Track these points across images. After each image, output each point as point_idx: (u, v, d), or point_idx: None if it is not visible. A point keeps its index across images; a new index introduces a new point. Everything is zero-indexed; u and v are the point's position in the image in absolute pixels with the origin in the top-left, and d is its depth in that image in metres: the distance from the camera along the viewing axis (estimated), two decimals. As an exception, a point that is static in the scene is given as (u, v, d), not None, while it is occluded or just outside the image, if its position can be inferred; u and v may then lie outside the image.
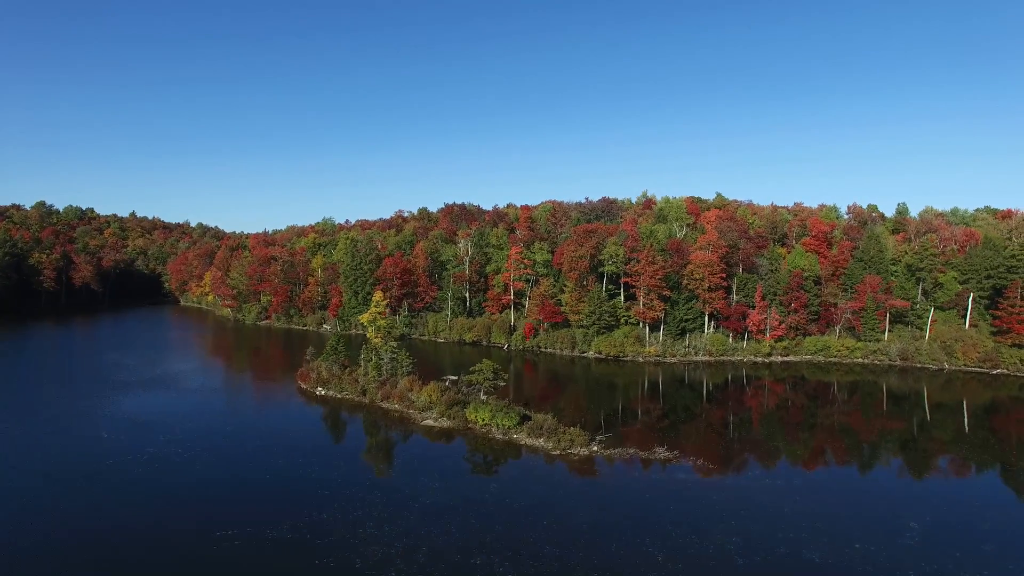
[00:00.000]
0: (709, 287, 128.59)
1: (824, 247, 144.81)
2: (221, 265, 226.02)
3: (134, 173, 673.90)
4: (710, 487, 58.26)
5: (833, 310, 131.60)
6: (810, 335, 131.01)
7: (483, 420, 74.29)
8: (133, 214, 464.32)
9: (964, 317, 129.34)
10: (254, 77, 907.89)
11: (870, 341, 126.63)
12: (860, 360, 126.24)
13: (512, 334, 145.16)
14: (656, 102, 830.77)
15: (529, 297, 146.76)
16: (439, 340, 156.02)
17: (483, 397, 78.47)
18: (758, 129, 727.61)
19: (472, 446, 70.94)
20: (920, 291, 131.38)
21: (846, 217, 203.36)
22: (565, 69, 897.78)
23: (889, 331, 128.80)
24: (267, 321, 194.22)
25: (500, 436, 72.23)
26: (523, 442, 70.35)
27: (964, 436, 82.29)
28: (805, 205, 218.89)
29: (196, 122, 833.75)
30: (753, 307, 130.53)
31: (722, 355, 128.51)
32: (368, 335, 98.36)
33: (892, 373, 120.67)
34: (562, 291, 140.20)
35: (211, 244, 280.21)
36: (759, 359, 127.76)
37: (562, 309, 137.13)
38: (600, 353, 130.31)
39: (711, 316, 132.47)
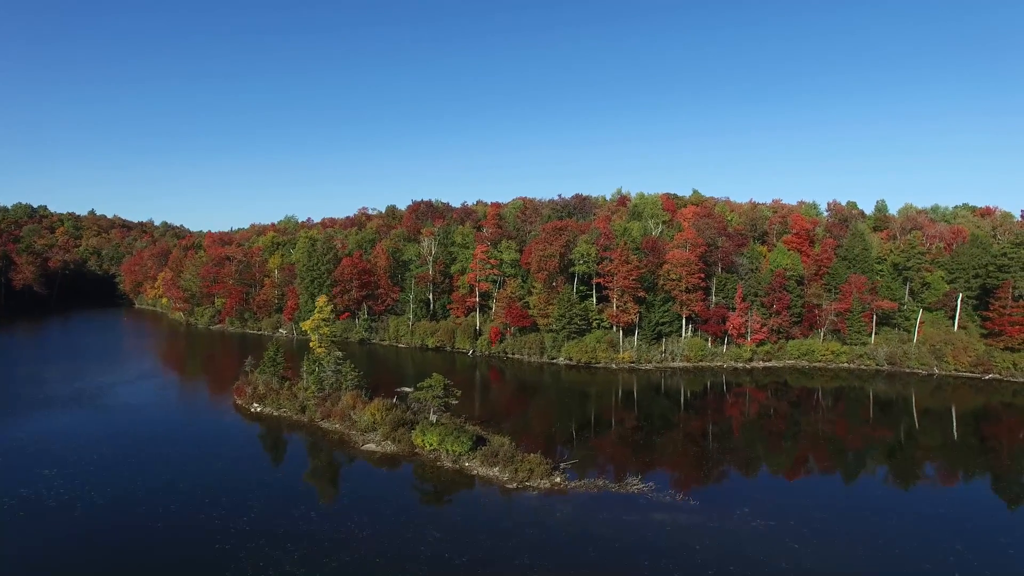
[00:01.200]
0: (686, 288, 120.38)
1: (807, 245, 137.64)
2: (174, 266, 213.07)
3: (96, 171, 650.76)
4: (692, 532, 49.12)
5: (817, 312, 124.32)
6: (793, 338, 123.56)
7: (431, 444, 64.70)
8: (92, 212, 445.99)
9: (952, 319, 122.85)
10: (242, 74, 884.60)
11: (856, 344, 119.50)
12: (846, 365, 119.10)
13: (478, 339, 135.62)
14: (632, 100, 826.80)
15: (496, 299, 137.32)
16: (400, 345, 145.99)
17: (432, 417, 68.79)
18: (735, 126, 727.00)
19: (418, 476, 61.36)
20: (907, 291, 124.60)
21: (825, 214, 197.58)
22: (544, 68, 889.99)
23: (875, 334, 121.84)
24: (220, 325, 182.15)
25: (450, 464, 62.69)
26: (476, 471, 60.90)
27: (953, 443, 77.44)
28: (784, 202, 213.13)
29: (166, 119, 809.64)
30: (733, 309, 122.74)
31: (701, 361, 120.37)
32: (311, 344, 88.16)
33: (879, 379, 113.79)
34: (530, 293, 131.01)
35: (166, 243, 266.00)
36: (740, 365, 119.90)
37: (530, 312, 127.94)
38: (571, 359, 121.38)
39: (689, 319, 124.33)
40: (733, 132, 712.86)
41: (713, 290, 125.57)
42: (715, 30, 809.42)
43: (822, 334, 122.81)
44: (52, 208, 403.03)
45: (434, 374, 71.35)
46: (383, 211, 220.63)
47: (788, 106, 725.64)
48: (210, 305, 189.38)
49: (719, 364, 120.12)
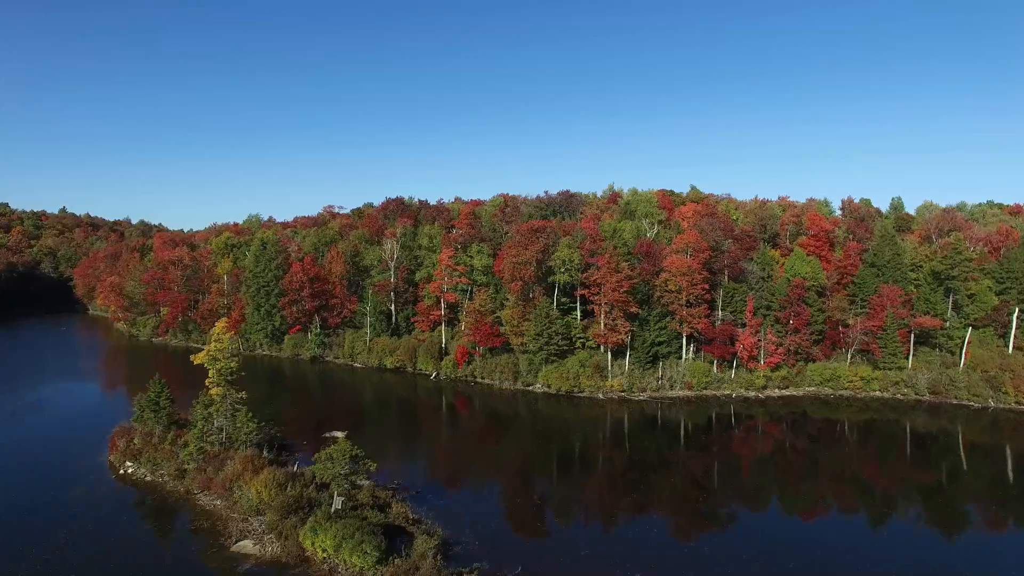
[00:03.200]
0: (688, 301, 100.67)
1: (827, 249, 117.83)
2: (120, 269, 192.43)
3: (69, 169, 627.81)
4: None
5: (842, 329, 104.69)
6: (813, 360, 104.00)
7: (325, 550, 44.65)
8: (63, 210, 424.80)
9: (1004, 337, 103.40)
10: (233, 71, 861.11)
11: (890, 369, 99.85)
12: (878, 393, 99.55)
13: (443, 359, 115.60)
14: (626, 91, 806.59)
15: (463, 313, 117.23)
16: (356, 365, 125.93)
17: (337, 503, 48.69)
18: (733, 118, 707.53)
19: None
20: (950, 305, 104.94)
21: (838, 213, 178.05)
22: (534, 59, 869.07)
23: (913, 356, 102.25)
24: (163, 338, 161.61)
25: (348, 584, 42.76)
26: (382, 599, 40.99)
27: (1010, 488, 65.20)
28: (792, 199, 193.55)
29: (155, 115, 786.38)
30: (743, 326, 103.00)
31: (705, 388, 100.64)
32: (207, 381, 67.97)
33: (920, 411, 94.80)
34: (503, 306, 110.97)
35: (119, 244, 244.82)
36: (752, 394, 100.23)
37: (502, 330, 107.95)
38: (549, 387, 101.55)
39: (690, 338, 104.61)
40: (730, 125, 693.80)
41: (719, 303, 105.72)
42: (709, 21, 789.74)
43: (848, 356, 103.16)
44: (14, 206, 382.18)
45: (340, 439, 51.46)
46: (361, 208, 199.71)
47: (786, 99, 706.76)
48: (155, 315, 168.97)
49: (726, 393, 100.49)
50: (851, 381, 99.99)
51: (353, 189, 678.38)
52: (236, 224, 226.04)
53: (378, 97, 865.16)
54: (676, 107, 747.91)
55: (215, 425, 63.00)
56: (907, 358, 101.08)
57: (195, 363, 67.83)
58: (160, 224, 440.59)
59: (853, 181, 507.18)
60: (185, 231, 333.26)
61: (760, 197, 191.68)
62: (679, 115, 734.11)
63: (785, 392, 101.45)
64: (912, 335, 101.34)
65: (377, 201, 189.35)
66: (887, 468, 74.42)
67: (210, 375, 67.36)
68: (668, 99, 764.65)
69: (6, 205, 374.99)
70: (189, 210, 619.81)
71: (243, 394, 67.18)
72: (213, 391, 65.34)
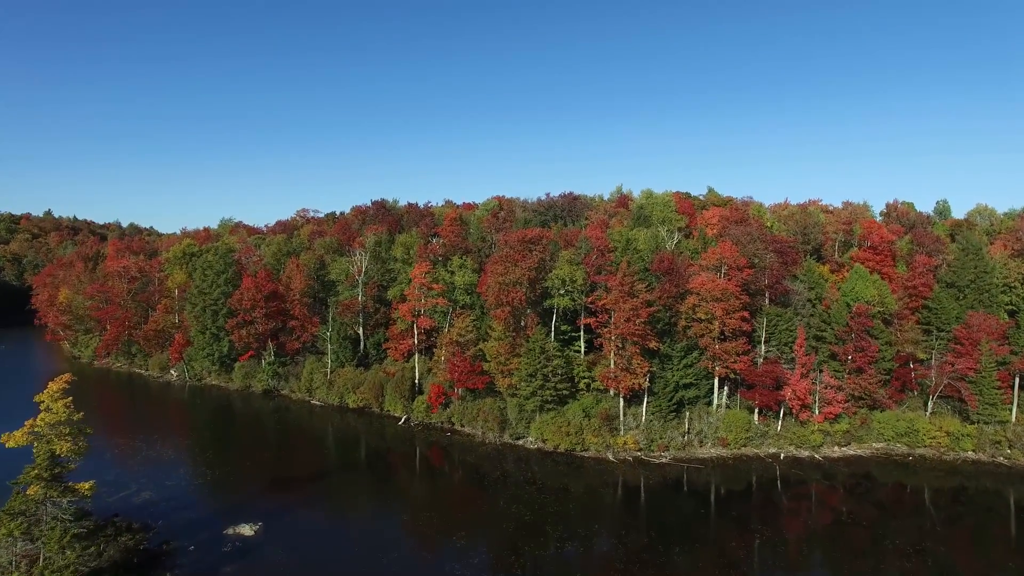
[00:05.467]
0: (723, 333, 78.51)
1: (890, 264, 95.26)
2: (65, 280, 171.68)
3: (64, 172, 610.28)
4: None
5: (915, 366, 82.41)
6: (881, 407, 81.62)
7: None
8: (48, 213, 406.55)
9: None
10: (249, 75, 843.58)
11: (987, 423, 77.25)
12: (971, 454, 76.90)
13: (415, 399, 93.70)
14: (633, 88, 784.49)
15: (440, 343, 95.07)
16: (314, 402, 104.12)
17: None
18: (750, 121, 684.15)
19: None
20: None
21: (879, 218, 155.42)
22: (539, 58, 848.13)
23: (1017, 406, 79.64)
24: (105, 361, 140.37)
25: None
26: None
27: None
28: (825, 203, 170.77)
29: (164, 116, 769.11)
30: (790, 363, 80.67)
31: (743, 446, 78.37)
32: (24, 476, 45.88)
33: (1028, 480, 72.54)
34: (488, 335, 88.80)
35: (77, 251, 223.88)
36: (804, 453, 77.93)
37: (486, 367, 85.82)
38: (544, 441, 79.46)
39: (724, 380, 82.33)
40: (748, 124, 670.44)
41: (762, 335, 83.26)
42: (721, 23, 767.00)
43: (930, 404, 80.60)
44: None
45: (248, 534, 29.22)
46: (334, 212, 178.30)
47: (800, 98, 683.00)
48: (100, 333, 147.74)
49: (771, 451, 78.20)
50: (934, 437, 77.47)
51: (361, 190, 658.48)
52: (206, 229, 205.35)
53: (378, 96, 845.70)
54: (689, 105, 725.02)
55: (16, 549, 41.05)
56: (1008, 409, 78.43)
57: (7, 447, 45.72)
58: (151, 227, 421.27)
59: (864, 183, 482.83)
60: (166, 234, 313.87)
61: (790, 201, 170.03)
62: (692, 113, 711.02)
63: (846, 450, 79.07)
64: (1017, 380, 78.71)
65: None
66: (981, 551, 57.96)
67: (36, 462, 45.15)
68: (681, 98, 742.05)
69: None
70: (185, 211, 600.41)
71: (74, 491, 45.01)
72: (31, 490, 43.27)
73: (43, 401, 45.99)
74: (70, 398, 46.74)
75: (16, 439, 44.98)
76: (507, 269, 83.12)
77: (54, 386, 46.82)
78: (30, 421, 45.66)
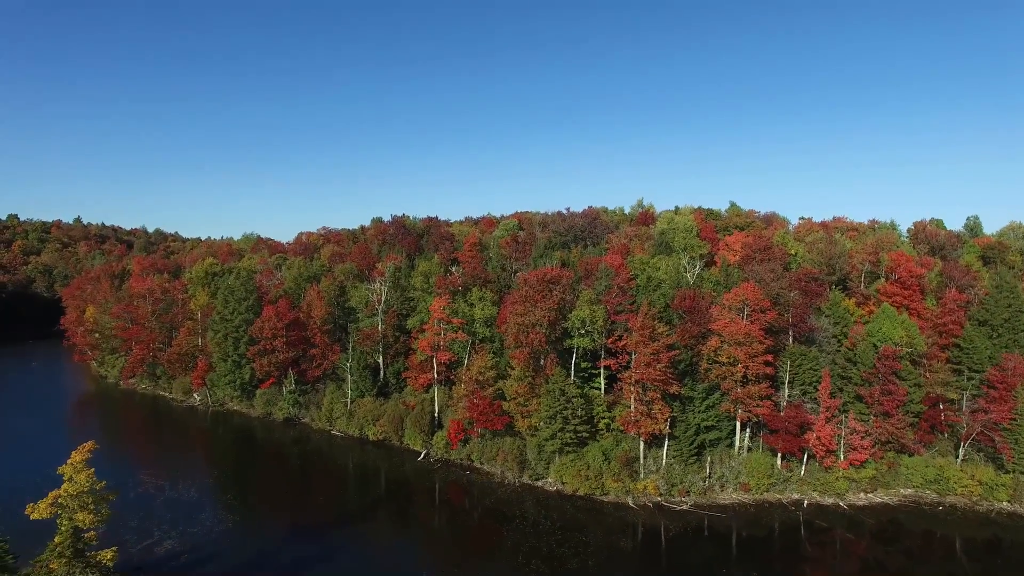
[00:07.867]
0: (744, 378, 77.23)
1: (918, 299, 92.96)
2: (91, 298, 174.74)
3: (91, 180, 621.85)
4: None
5: (944, 407, 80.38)
6: (909, 452, 79.71)
7: None
8: (78, 220, 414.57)
9: None
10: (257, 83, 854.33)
11: (1021, 472, 75.08)
12: (1006, 506, 74.72)
13: (434, 433, 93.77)
14: (661, 108, 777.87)
15: (459, 379, 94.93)
16: (334, 432, 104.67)
17: None
18: (776, 132, 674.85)
19: None
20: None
21: (905, 238, 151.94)
22: (563, 72, 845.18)
23: (1051, 455, 77.24)
24: (130, 382, 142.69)
25: None
26: None
27: None
28: (850, 219, 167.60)
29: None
30: (816, 405, 79.16)
31: (766, 491, 77.07)
32: (47, 555, 46.40)
33: (1065, 533, 70.25)
34: (507, 373, 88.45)
35: (104, 267, 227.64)
36: (829, 499, 76.40)
37: (505, 406, 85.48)
38: (563, 484, 78.91)
39: (746, 423, 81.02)
40: (770, 135, 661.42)
41: (785, 377, 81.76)
42: (737, 30, 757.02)
43: (960, 453, 78.52)
44: (24, 216, 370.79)
45: None
46: (356, 229, 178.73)
47: (831, 105, 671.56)
48: (126, 353, 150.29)
49: (795, 497, 76.79)
50: (965, 486, 75.46)
51: (380, 201, 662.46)
52: (229, 244, 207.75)
53: (395, 106, 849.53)
54: (712, 117, 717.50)
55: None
56: (1044, 458, 76.16)
57: (32, 518, 46.34)
58: (176, 232, 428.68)
59: (892, 193, 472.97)
60: (204, 239, 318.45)
61: (813, 218, 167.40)
62: (717, 122, 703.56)
63: (872, 496, 77.35)
64: (1051, 428, 76.43)
65: (387, 216, 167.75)
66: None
67: (57, 538, 45.64)
68: (704, 109, 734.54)
69: (15, 217, 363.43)
70: (214, 213, 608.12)
71: (109, 560, 45.64)
72: (54, 565, 43.83)
73: (66, 472, 46.51)
74: (92, 470, 47.22)
75: (40, 511, 45.57)
76: (527, 310, 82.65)
77: (77, 456, 47.39)
78: (53, 492, 46.22)
